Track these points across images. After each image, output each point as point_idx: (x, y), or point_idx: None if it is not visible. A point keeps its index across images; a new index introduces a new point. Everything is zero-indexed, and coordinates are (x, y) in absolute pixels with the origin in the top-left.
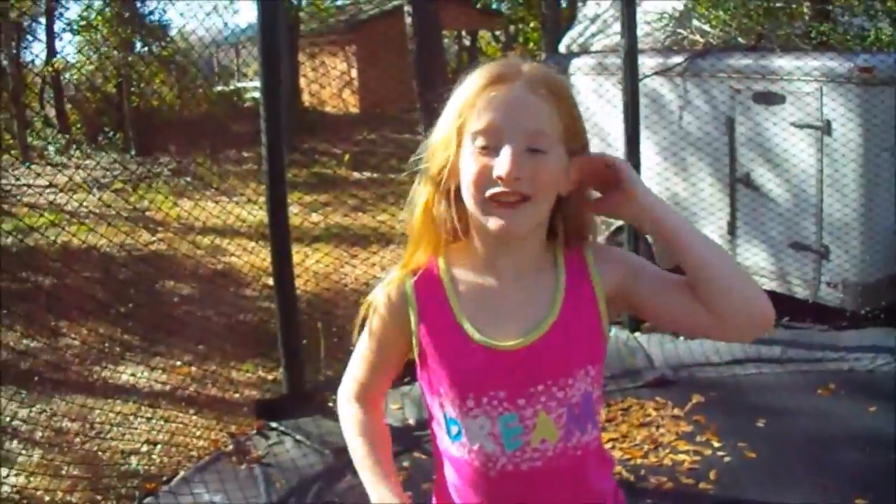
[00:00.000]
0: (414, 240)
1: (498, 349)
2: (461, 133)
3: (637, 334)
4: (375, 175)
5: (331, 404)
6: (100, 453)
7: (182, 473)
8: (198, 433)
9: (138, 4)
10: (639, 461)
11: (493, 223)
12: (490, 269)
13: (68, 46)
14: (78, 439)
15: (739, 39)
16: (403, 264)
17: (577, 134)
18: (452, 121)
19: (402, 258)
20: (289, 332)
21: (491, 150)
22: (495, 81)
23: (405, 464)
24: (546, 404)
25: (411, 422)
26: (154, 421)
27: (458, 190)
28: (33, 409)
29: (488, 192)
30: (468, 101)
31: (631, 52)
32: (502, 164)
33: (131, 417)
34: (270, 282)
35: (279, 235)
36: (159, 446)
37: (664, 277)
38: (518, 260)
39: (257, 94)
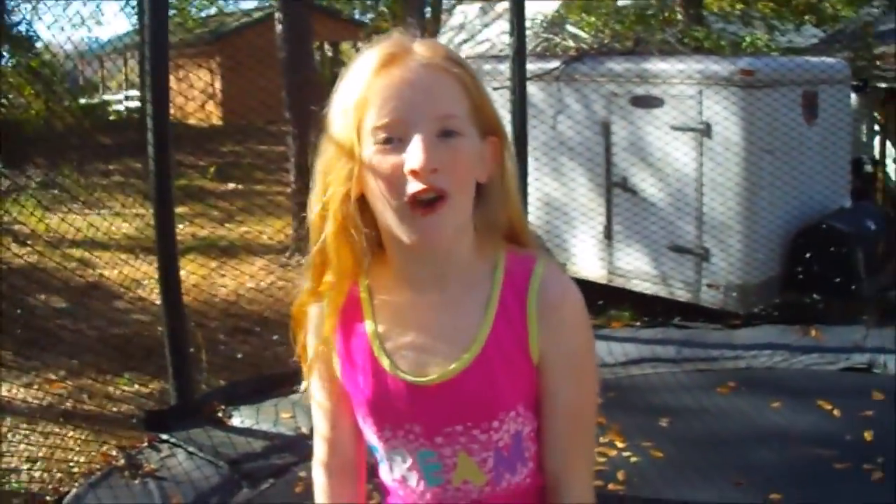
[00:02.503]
0: (328, 266)
1: (411, 383)
2: (360, 133)
3: None
4: (241, 186)
5: (220, 414)
6: None
7: (74, 490)
8: (77, 448)
9: (4, 15)
10: None
11: (410, 236)
12: (409, 285)
13: None
14: None
15: (615, 45)
16: (314, 291)
17: (488, 114)
18: (348, 121)
19: (310, 285)
20: (177, 341)
21: (396, 144)
22: (386, 64)
23: (301, 474)
24: (467, 446)
25: (304, 430)
26: (32, 438)
27: (360, 200)
28: None
29: (407, 194)
30: (360, 96)
31: (520, 51)
32: (414, 155)
33: (9, 435)
34: (141, 293)
35: (166, 243)
36: (39, 463)
37: (553, 413)
38: (440, 270)
39: (121, 107)
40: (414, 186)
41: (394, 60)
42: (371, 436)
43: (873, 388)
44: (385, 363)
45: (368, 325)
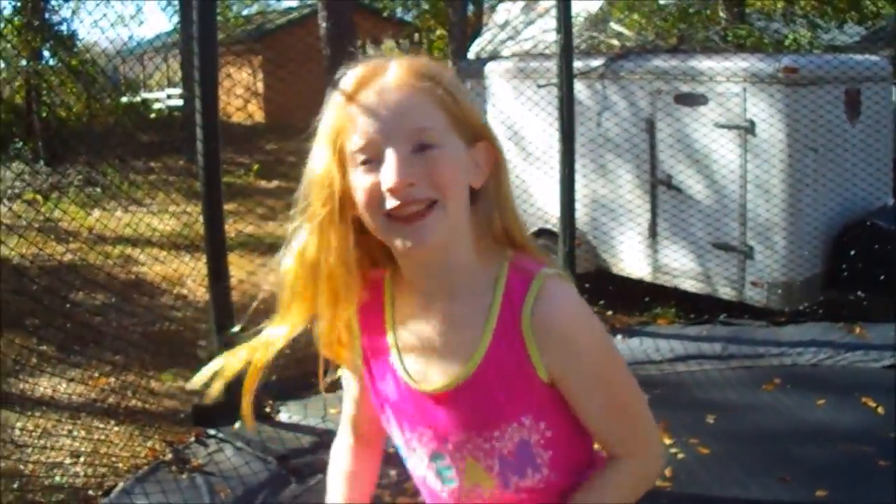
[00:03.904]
0: (330, 290)
1: (418, 391)
2: (343, 156)
3: None
4: (284, 184)
5: (268, 410)
6: (21, 466)
7: (122, 484)
8: (121, 444)
9: (47, 14)
10: None
11: (401, 244)
12: (420, 294)
13: None
14: None
15: (659, 43)
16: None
17: (472, 122)
18: (328, 147)
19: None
20: (224, 335)
21: (374, 163)
22: (361, 87)
23: None
24: (473, 452)
25: None
26: (75, 433)
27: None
28: None
29: (385, 209)
30: (339, 120)
31: (567, 49)
32: (388, 173)
33: (52, 430)
34: (184, 291)
35: (215, 239)
36: (82, 459)
37: (589, 417)
38: (444, 279)
39: (162, 105)
40: (391, 203)
41: (364, 84)
42: (393, 433)
43: None
44: (399, 369)
45: (388, 332)
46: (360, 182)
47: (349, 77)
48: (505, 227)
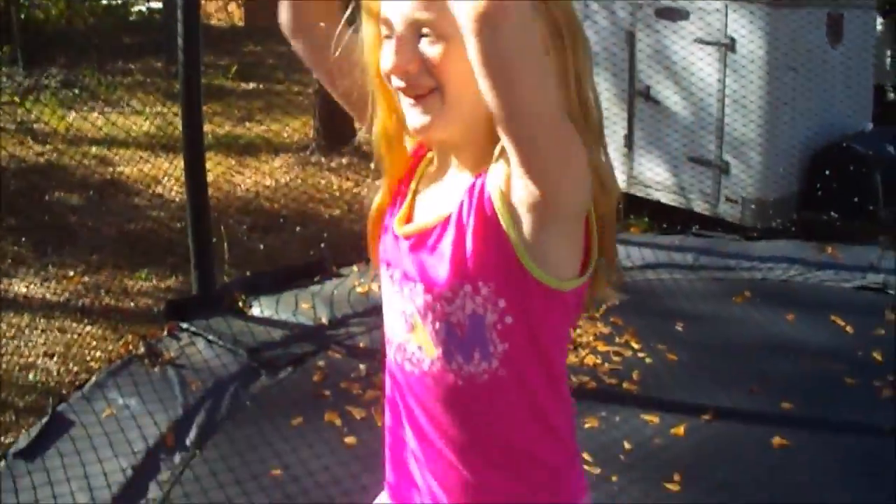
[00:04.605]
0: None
1: (400, 234)
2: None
3: None
4: (261, 86)
5: (240, 304)
6: None
7: (94, 378)
8: (94, 343)
9: None
10: None
11: (409, 122)
12: (441, 159)
13: None
14: None
15: None
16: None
17: None
18: (368, 13)
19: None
20: (199, 230)
21: (389, 40)
22: None
23: (321, 363)
24: (420, 309)
25: (324, 321)
26: (49, 333)
27: None
28: None
29: (392, 86)
30: None
31: None
32: (387, 55)
33: (26, 330)
34: (159, 190)
35: (193, 139)
36: (55, 358)
37: None
38: (456, 157)
39: (143, 7)
40: (396, 81)
41: None
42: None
43: (886, 309)
44: (401, 213)
45: (413, 182)
46: (382, 51)
47: None
48: None
